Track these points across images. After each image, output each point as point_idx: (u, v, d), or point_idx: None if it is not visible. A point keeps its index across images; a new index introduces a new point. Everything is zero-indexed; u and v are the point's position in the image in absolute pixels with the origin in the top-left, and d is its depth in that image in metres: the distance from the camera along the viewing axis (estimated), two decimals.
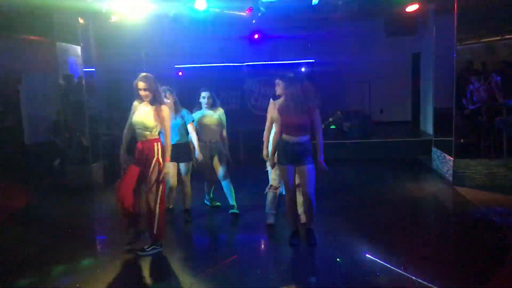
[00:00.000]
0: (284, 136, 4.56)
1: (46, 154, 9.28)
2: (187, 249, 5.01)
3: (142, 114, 4.52)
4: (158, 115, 4.49)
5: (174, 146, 5.50)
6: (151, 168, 4.48)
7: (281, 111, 4.57)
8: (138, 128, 4.51)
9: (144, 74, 4.51)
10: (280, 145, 4.63)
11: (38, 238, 5.34)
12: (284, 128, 4.56)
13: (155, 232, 4.59)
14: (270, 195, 5.36)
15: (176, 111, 5.48)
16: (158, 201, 4.55)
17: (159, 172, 4.51)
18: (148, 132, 4.50)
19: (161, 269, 4.41)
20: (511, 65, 7.22)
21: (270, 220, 5.38)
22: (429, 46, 9.23)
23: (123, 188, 4.47)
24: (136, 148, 4.54)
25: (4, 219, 6.18)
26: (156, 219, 4.57)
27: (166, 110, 4.54)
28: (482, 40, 7.06)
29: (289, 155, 4.55)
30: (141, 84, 4.47)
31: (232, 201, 5.78)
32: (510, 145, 7.01)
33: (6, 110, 10.28)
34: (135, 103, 4.60)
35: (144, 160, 4.50)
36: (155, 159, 4.49)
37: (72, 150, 7.73)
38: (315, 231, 4.85)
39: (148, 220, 4.59)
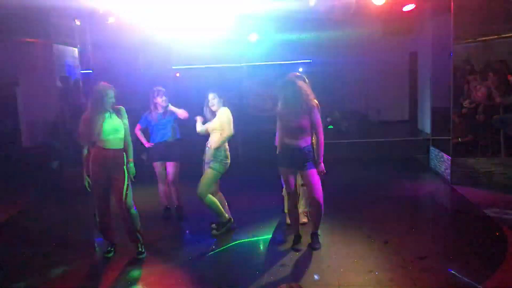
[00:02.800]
0: (285, 139, 4.55)
1: (44, 156, 9.26)
2: (183, 249, 5.02)
3: (114, 121, 4.54)
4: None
5: (164, 144, 5.59)
6: (124, 176, 4.54)
7: (279, 115, 4.56)
8: (110, 135, 4.50)
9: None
10: (281, 148, 4.62)
11: (36, 241, 5.33)
12: (283, 131, 4.55)
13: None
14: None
15: (166, 109, 5.58)
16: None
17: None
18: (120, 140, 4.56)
19: (158, 270, 4.42)
20: (508, 64, 7.23)
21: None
22: (426, 45, 9.26)
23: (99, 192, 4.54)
24: (100, 155, 4.50)
25: (2, 222, 6.17)
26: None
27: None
28: (479, 39, 7.07)
29: (288, 158, 4.54)
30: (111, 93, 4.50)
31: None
32: (507, 144, 7.03)
33: (4, 113, 10.27)
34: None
35: (110, 168, 4.51)
36: (124, 167, 4.57)
37: (69, 153, 7.71)
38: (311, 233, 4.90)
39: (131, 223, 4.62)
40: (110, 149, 4.48)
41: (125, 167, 4.55)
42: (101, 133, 4.42)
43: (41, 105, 10.27)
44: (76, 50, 7.50)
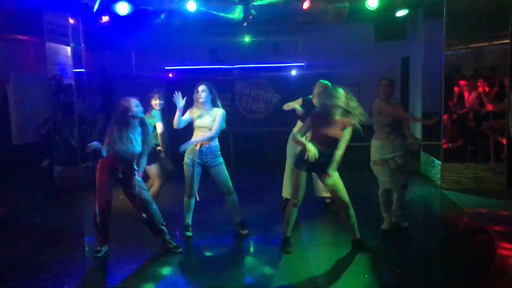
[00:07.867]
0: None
1: (34, 155, 9.20)
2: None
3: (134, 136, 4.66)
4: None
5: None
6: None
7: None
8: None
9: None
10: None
11: (24, 240, 5.28)
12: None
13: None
14: (382, 198, 5.34)
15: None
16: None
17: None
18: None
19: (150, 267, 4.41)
20: (498, 71, 7.30)
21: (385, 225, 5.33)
22: (418, 50, 9.32)
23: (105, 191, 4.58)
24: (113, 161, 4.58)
25: None
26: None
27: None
28: (470, 45, 7.14)
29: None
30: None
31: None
32: (496, 150, 7.10)
33: None
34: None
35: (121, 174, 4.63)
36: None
37: (60, 151, 7.67)
38: (301, 235, 4.99)
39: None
40: (122, 161, 4.58)
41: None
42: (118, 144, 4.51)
43: (32, 103, 10.23)
44: (69, 49, 7.46)
